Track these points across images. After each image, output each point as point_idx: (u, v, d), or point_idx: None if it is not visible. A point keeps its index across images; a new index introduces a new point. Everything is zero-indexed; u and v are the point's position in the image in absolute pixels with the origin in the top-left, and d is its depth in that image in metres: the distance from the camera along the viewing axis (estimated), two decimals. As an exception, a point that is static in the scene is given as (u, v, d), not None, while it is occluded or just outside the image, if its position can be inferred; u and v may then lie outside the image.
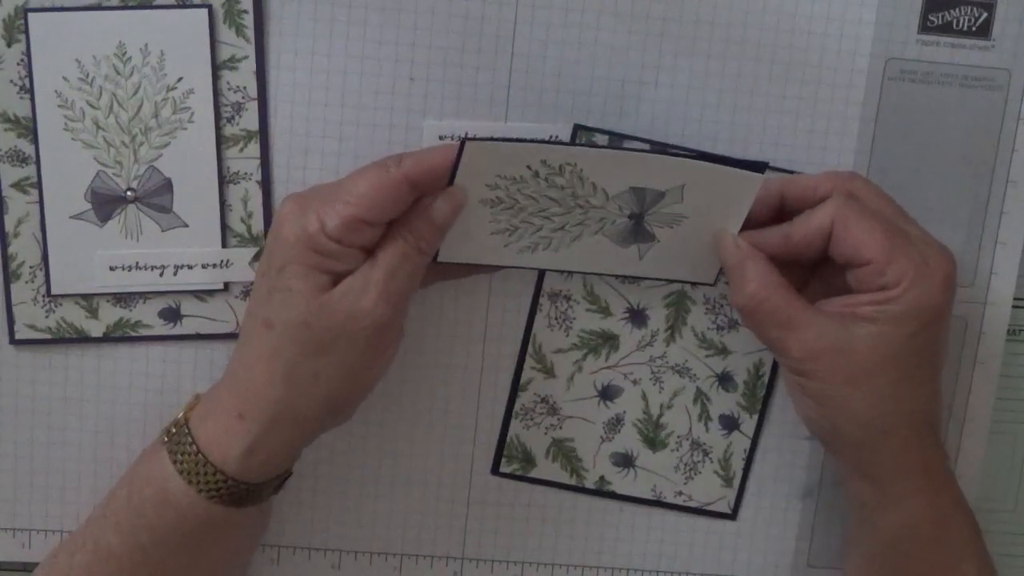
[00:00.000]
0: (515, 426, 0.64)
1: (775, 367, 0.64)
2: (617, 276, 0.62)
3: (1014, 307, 0.64)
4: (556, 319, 0.63)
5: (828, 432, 0.57)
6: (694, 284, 0.63)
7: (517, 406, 0.64)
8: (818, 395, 0.56)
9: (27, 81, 0.59)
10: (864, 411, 0.55)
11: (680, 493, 0.65)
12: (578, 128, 0.61)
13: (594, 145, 0.61)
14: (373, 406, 0.63)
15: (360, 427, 0.64)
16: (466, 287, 0.62)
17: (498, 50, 0.60)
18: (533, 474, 0.65)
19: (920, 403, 0.56)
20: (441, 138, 0.61)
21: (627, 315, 0.63)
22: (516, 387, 0.64)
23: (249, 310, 0.56)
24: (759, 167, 0.55)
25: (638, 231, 0.59)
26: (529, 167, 0.56)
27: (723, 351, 0.64)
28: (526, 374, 0.63)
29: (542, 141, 0.57)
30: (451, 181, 0.55)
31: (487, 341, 0.63)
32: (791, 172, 0.61)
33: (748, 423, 0.64)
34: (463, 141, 0.54)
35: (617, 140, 0.61)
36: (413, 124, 0.61)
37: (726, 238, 0.58)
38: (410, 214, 0.55)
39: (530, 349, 0.63)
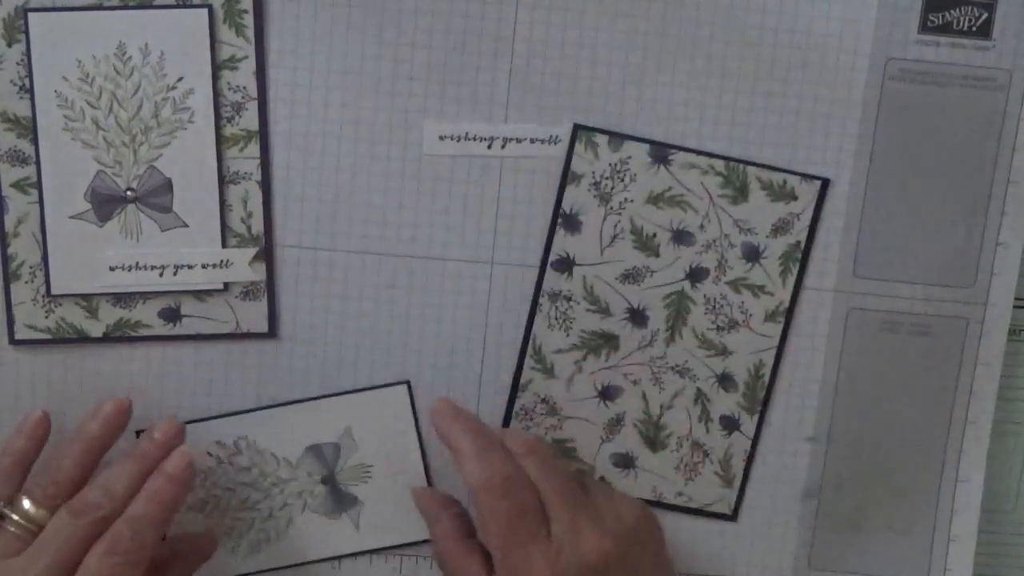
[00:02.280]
0: (515, 426, 0.64)
1: (775, 368, 0.64)
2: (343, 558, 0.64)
3: (1015, 307, 0.64)
4: (556, 319, 0.63)
5: None
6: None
7: (517, 406, 0.64)
8: None
9: (27, 81, 0.59)
10: None
11: (680, 494, 0.65)
12: (578, 128, 0.61)
13: (265, 406, 0.62)
14: (373, 406, 0.63)
15: (360, 427, 0.64)
16: (466, 286, 0.62)
17: (498, 50, 0.60)
18: (533, 475, 0.65)
19: None
20: (441, 138, 0.61)
21: (627, 315, 0.63)
22: (516, 387, 0.64)
23: None
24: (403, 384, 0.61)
25: (338, 496, 0.62)
26: (210, 454, 0.60)
27: (723, 351, 0.64)
28: (526, 374, 0.63)
29: (212, 417, 0.62)
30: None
31: (487, 341, 0.63)
32: (791, 172, 0.61)
33: (748, 424, 0.64)
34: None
35: (617, 140, 0.61)
36: (413, 124, 0.61)
37: (417, 491, 0.61)
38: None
39: (530, 349, 0.63)
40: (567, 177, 0.61)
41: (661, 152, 0.61)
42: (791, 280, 0.62)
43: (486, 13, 0.60)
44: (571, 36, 0.60)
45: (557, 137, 0.61)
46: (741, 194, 0.62)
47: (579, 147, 0.61)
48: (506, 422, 0.64)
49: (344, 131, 0.61)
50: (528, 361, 0.63)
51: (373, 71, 0.60)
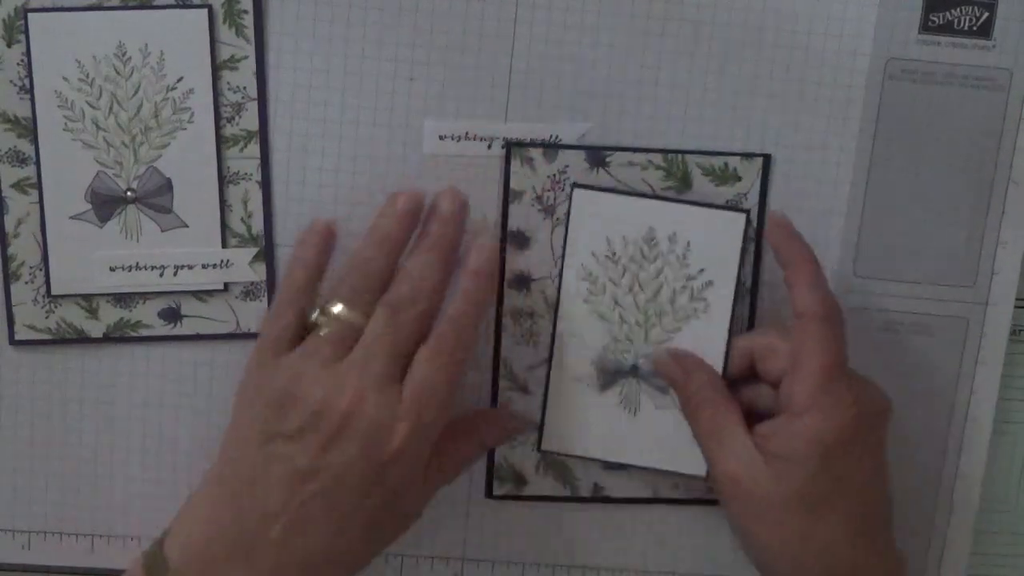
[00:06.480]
0: (501, 449, 0.63)
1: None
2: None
3: (1016, 307, 0.64)
4: (522, 336, 0.62)
5: (749, 555, 0.59)
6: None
7: None
8: (733, 522, 0.58)
9: (27, 81, 0.59)
10: (774, 545, 0.56)
11: (677, 486, 0.64)
12: (511, 145, 0.60)
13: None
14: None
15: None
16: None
17: (498, 50, 0.60)
18: (526, 492, 0.64)
19: (834, 536, 0.55)
20: (441, 138, 0.61)
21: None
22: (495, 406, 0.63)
23: (272, 447, 0.53)
24: None
25: None
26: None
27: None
28: (502, 396, 0.63)
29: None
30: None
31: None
32: (730, 153, 0.61)
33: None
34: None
35: (551, 152, 0.61)
36: (413, 124, 0.61)
37: (661, 352, 0.60)
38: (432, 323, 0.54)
39: (501, 370, 0.63)
40: (508, 196, 0.61)
41: (597, 156, 0.61)
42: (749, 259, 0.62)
43: (486, 13, 0.60)
44: (571, 36, 0.60)
45: (557, 137, 0.61)
46: (684, 184, 0.61)
47: (515, 164, 0.61)
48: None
49: (344, 131, 0.61)
50: (502, 383, 0.62)
51: (373, 71, 0.60)
